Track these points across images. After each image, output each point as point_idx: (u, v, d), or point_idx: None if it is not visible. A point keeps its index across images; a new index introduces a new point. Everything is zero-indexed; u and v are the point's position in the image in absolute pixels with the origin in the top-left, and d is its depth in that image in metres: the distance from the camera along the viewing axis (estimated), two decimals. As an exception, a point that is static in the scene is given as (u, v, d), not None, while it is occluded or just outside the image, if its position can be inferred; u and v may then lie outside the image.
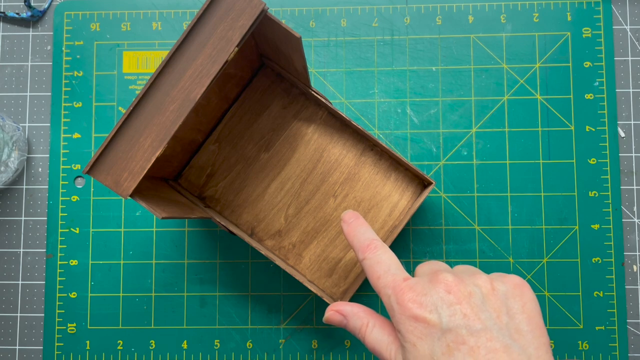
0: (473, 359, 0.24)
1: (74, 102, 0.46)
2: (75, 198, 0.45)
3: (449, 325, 0.25)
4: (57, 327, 0.44)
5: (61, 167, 0.45)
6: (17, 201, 0.45)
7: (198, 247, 0.44)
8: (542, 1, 0.45)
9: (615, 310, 0.43)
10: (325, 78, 0.46)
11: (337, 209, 0.42)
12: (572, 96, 0.45)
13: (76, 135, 0.45)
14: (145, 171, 0.29)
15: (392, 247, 0.44)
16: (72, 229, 0.45)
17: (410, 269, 0.44)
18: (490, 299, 0.26)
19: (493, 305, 0.26)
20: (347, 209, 0.42)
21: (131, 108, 0.29)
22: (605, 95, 0.45)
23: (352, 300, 0.44)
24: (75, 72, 0.46)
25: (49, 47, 0.47)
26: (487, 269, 0.43)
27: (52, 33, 0.47)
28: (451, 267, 0.44)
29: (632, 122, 0.45)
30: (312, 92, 0.41)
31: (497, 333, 0.25)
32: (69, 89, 0.46)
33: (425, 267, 0.30)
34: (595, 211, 0.44)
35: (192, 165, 0.43)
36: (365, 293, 0.44)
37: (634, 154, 0.44)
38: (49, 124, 0.46)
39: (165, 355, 0.44)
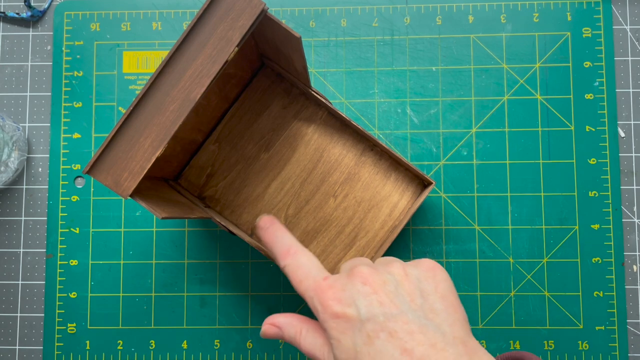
0: (392, 345, 0.25)
1: (74, 102, 0.46)
2: (75, 198, 0.45)
3: (367, 315, 0.26)
4: (57, 327, 0.44)
5: (61, 167, 0.45)
6: (17, 201, 0.45)
7: (198, 247, 0.44)
8: (542, 1, 0.46)
9: (615, 310, 0.43)
10: (325, 78, 0.46)
11: (337, 209, 0.42)
12: (572, 96, 0.45)
13: (76, 135, 0.45)
14: (145, 171, 0.29)
15: (392, 247, 0.44)
16: (72, 229, 0.45)
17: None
18: (403, 284, 0.27)
19: (407, 290, 0.27)
20: (347, 208, 0.42)
21: (131, 108, 0.29)
22: (605, 95, 0.45)
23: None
24: (75, 72, 0.46)
25: (49, 47, 0.47)
26: (487, 268, 0.43)
27: (52, 33, 0.47)
28: (451, 270, 0.44)
29: (632, 122, 0.45)
30: (312, 92, 0.41)
31: (412, 315, 0.26)
32: (69, 89, 0.46)
33: (347, 264, 0.31)
34: (595, 211, 0.44)
35: (192, 165, 0.43)
36: (365, 293, 0.44)
37: (634, 154, 0.44)
38: (49, 124, 0.46)
39: (165, 355, 0.44)
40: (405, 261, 0.29)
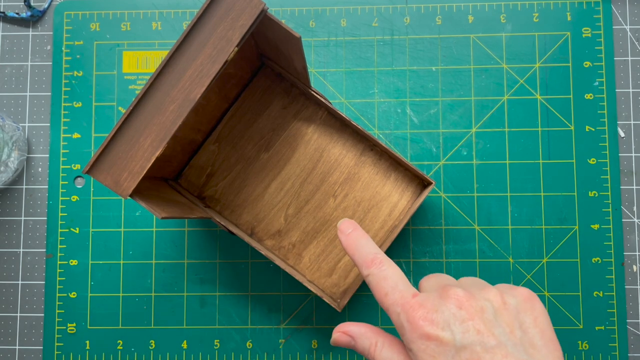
0: None
1: (74, 102, 0.46)
2: (75, 198, 0.45)
3: (463, 343, 0.25)
4: (57, 327, 0.44)
5: (61, 167, 0.45)
6: (17, 201, 0.45)
7: (198, 247, 0.44)
8: (542, 1, 0.46)
9: (615, 310, 0.43)
10: (325, 78, 0.46)
11: (337, 209, 0.42)
12: (572, 96, 0.45)
13: (76, 135, 0.45)
14: (145, 171, 0.29)
15: (392, 247, 0.44)
16: (72, 229, 0.45)
17: (410, 268, 0.44)
18: (502, 313, 0.26)
19: (506, 320, 0.26)
20: (347, 208, 0.42)
21: (131, 108, 0.29)
22: (605, 95, 0.45)
23: (352, 300, 0.44)
24: (75, 72, 0.46)
25: (48, 47, 0.47)
26: (487, 268, 0.43)
27: (52, 33, 0.47)
28: (451, 270, 0.44)
29: (632, 122, 0.45)
30: (312, 92, 0.41)
31: (512, 349, 0.25)
32: (68, 89, 0.46)
33: (432, 281, 0.29)
34: (595, 211, 0.44)
35: (192, 165, 0.43)
36: (364, 293, 0.44)
37: (633, 154, 0.44)
38: (49, 124, 0.46)
39: (165, 355, 0.44)
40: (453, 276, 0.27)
